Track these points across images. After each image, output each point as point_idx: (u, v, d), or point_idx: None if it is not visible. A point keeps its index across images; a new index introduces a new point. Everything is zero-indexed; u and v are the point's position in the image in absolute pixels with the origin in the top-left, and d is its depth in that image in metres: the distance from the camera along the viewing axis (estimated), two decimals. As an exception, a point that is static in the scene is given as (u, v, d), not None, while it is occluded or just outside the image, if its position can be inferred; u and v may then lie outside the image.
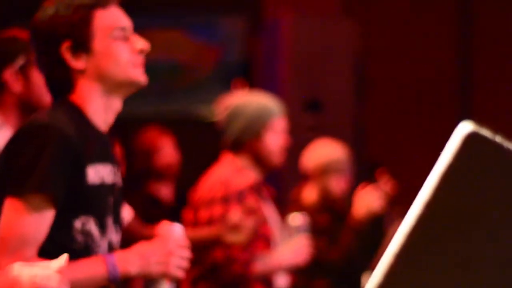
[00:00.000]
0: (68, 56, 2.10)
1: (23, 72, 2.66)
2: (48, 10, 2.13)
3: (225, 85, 7.39)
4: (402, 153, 6.58)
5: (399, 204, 4.76)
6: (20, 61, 2.65)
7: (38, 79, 2.55)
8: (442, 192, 0.88)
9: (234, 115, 3.44)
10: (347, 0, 6.52)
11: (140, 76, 2.15)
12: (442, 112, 6.63)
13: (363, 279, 3.24)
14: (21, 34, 2.63)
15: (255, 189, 3.38)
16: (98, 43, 2.11)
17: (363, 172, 5.64)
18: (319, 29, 5.89)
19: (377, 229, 4.41)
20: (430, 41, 6.73)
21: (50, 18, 2.11)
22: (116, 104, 2.17)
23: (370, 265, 3.96)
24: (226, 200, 3.27)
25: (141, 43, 2.15)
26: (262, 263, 3.28)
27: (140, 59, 2.15)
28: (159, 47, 7.41)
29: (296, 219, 3.42)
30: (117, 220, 2.17)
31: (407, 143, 6.63)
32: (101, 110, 2.15)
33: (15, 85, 2.65)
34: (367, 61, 6.37)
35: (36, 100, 2.65)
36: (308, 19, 5.92)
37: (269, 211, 3.47)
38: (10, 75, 2.65)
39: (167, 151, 4.61)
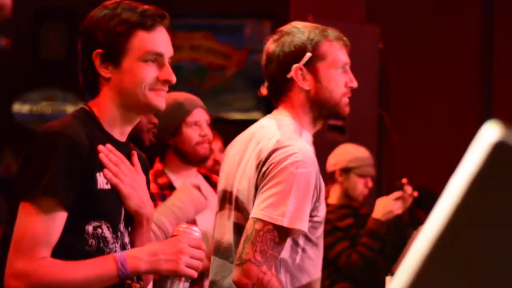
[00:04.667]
0: (97, 62, 2.16)
1: (311, 68, 2.66)
2: (100, 12, 2.19)
3: (251, 87, 7.44)
4: (426, 155, 6.59)
5: (421, 206, 4.80)
6: (306, 58, 2.65)
7: (326, 74, 2.63)
8: (470, 199, 0.88)
9: (158, 117, 3.52)
10: (371, 5, 6.55)
11: (158, 102, 2.18)
12: (465, 115, 6.64)
13: (386, 282, 3.21)
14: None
15: (165, 191, 3.44)
16: (128, 60, 2.16)
17: (387, 176, 5.67)
18: (342, 33, 5.91)
19: (399, 232, 4.40)
20: (452, 45, 6.74)
21: (96, 21, 2.17)
22: (132, 118, 2.23)
23: (392, 269, 3.95)
24: None
25: (169, 75, 2.18)
26: None
27: (162, 88, 2.18)
28: (186, 49, 7.47)
29: None
30: (128, 224, 2.23)
31: (431, 146, 6.64)
32: (117, 121, 2.20)
33: (304, 83, 2.65)
34: (390, 66, 6.40)
35: (326, 96, 2.66)
36: (332, 24, 5.93)
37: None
38: (297, 72, 2.65)
39: None
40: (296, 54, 2.66)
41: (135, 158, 2.27)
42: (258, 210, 2.48)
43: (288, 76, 2.66)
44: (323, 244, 2.70)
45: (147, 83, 2.15)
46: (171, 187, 3.46)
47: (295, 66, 2.65)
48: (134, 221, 2.23)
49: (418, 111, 6.68)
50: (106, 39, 2.15)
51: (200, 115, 3.51)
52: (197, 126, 3.48)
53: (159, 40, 2.19)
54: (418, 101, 6.69)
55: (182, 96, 3.57)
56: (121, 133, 2.22)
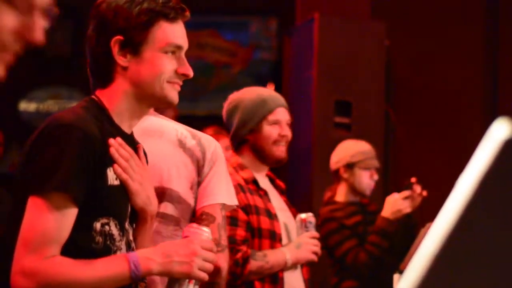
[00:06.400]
0: (115, 49, 2.10)
1: None
2: None
3: (257, 84, 7.44)
4: (433, 152, 6.58)
5: (428, 204, 4.79)
6: None
7: None
8: (479, 196, 0.88)
9: (233, 109, 3.46)
10: (377, 1, 6.53)
11: (173, 96, 2.15)
12: (471, 112, 6.63)
13: (393, 280, 3.20)
14: None
15: (249, 185, 3.39)
16: (148, 50, 2.11)
17: (393, 172, 5.65)
18: (349, 30, 5.90)
19: (407, 230, 4.39)
20: (458, 41, 6.73)
21: (115, 7, 2.12)
22: (143, 111, 2.18)
23: (400, 267, 3.95)
24: None
25: (187, 69, 2.16)
26: (260, 261, 3.27)
27: (178, 81, 2.16)
28: (191, 47, 7.47)
29: (305, 218, 3.44)
30: (132, 221, 2.17)
31: (438, 143, 6.63)
32: (127, 113, 2.15)
33: None
34: (396, 62, 6.39)
35: None
36: (338, 20, 5.94)
37: (280, 205, 3.48)
38: None
39: None
40: None
41: (141, 152, 2.21)
42: None
43: None
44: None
45: (166, 75, 2.12)
46: (254, 182, 3.42)
47: None
48: (138, 217, 2.17)
49: (425, 107, 6.67)
50: (127, 26, 2.10)
51: (282, 114, 3.47)
52: (278, 125, 3.45)
53: (180, 33, 2.17)
54: (424, 97, 6.68)
55: (266, 92, 3.53)
56: (129, 126, 2.17)
